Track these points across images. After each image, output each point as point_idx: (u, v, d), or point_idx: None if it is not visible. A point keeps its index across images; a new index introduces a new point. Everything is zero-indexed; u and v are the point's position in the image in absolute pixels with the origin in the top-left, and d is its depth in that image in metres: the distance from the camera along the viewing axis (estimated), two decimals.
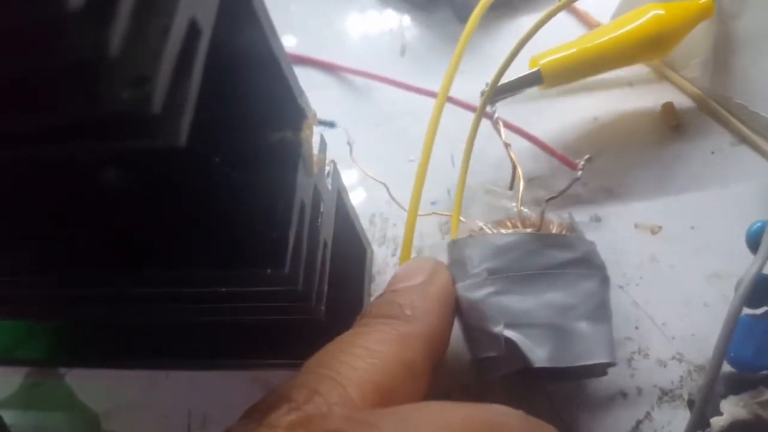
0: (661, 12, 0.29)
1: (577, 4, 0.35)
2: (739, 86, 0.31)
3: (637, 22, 0.28)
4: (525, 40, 0.27)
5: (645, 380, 0.26)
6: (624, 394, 0.26)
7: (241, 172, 0.19)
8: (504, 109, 0.30)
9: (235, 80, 0.18)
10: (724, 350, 0.21)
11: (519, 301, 0.24)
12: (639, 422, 0.26)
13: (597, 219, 0.30)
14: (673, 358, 0.27)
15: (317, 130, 0.22)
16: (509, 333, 0.23)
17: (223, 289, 0.19)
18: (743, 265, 0.24)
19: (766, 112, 0.30)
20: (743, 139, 0.31)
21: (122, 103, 0.12)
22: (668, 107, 0.32)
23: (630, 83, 0.33)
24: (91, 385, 0.29)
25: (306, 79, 0.34)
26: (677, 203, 0.30)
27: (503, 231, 0.25)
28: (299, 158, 0.20)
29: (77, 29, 0.10)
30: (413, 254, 0.29)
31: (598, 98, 0.33)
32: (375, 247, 0.31)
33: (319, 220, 0.22)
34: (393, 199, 0.29)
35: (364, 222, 0.31)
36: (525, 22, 0.30)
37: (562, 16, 0.35)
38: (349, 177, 0.32)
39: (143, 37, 0.13)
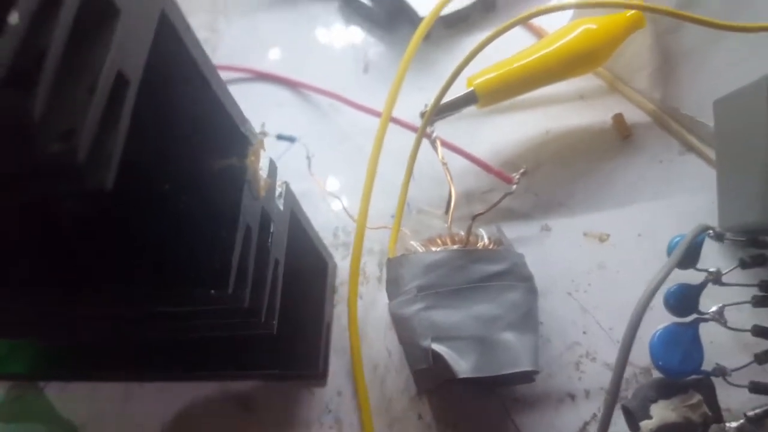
0: (592, 26, 0.30)
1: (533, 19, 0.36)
2: (684, 97, 0.32)
3: (568, 38, 0.30)
4: (467, 61, 0.29)
5: (592, 383, 0.28)
6: (572, 397, 0.27)
7: (188, 200, 0.20)
8: (455, 125, 0.32)
9: (176, 115, 0.20)
10: (627, 352, 0.23)
11: (446, 316, 0.25)
12: (586, 423, 0.27)
13: (547, 228, 0.31)
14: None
15: (267, 154, 0.24)
16: (436, 347, 0.25)
17: (175, 309, 0.21)
18: (685, 271, 0.25)
19: (710, 121, 0.31)
20: (690, 148, 0.32)
21: (51, 156, 0.14)
22: (619, 119, 0.33)
23: (582, 96, 0.35)
24: (69, 398, 0.30)
25: (272, 96, 0.36)
26: (626, 212, 0.31)
27: (433, 249, 0.26)
28: (245, 183, 0.22)
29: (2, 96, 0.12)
30: (363, 262, 0.30)
31: (551, 111, 0.34)
32: (338, 260, 0.32)
33: (270, 240, 0.24)
34: (346, 212, 0.30)
35: (327, 235, 0.32)
36: (480, 38, 0.31)
37: (519, 31, 0.36)
38: (315, 192, 0.34)
39: (70, 94, 0.14)
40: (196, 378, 0.29)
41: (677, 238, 0.24)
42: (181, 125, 0.20)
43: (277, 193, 0.25)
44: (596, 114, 0.34)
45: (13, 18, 0.12)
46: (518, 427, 0.27)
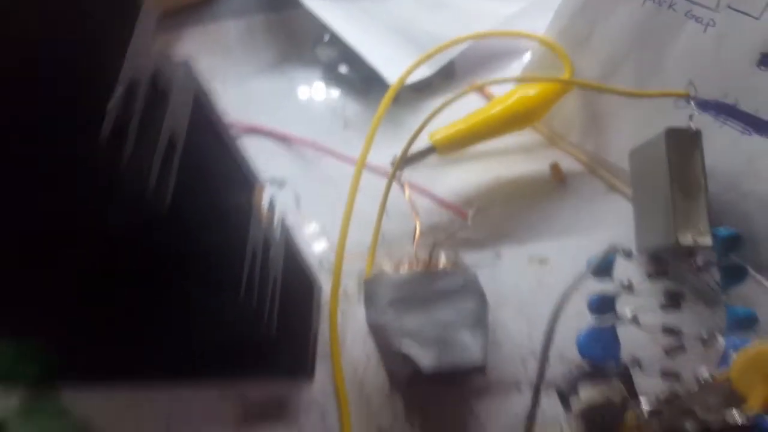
0: (530, 91, 0.37)
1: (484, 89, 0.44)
2: (607, 148, 0.40)
3: (508, 102, 0.37)
4: (427, 121, 0.36)
5: (535, 376, 0.33)
6: (518, 387, 0.33)
7: (209, 232, 0.26)
8: (421, 172, 0.39)
9: (203, 163, 0.26)
10: (549, 340, 0.29)
11: (412, 321, 0.31)
12: (529, 408, 0.33)
13: (498, 256, 0.37)
14: (556, 356, 0.33)
15: (268, 193, 0.30)
16: (405, 347, 0.30)
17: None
18: (604, 283, 0.31)
19: (625, 165, 0.38)
20: (613, 189, 0.39)
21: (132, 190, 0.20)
22: (555, 166, 0.40)
23: (526, 149, 0.42)
24: (81, 401, 0.35)
25: (264, 148, 0.42)
26: (561, 241, 0.37)
27: (401, 270, 0.33)
28: (251, 216, 0.28)
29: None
30: (345, 284, 0.36)
31: (501, 161, 0.41)
32: (323, 283, 0.38)
33: (269, 261, 0.29)
34: (328, 242, 0.37)
35: (314, 263, 0.38)
36: (441, 101, 0.38)
37: (472, 96, 0.44)
38: (306, 228, 0.40)
39: (144, 147, 0.20)
40: (200, 383, 0.34)
41: (593, 257, 0.31)
42: (206, 171, 0.26)
43: (274, 224, 0.31)
44: (538, 163, 0.41)
45: (111, 104, 0.18)
46: (476, 413, 0.32)
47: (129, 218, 0.18)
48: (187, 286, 0.26)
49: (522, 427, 0.30)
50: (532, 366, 0.34)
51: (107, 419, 0.34)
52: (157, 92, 0.20)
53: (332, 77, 0.46)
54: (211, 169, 0.26)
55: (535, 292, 0.36)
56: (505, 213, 0.39)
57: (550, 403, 0.32)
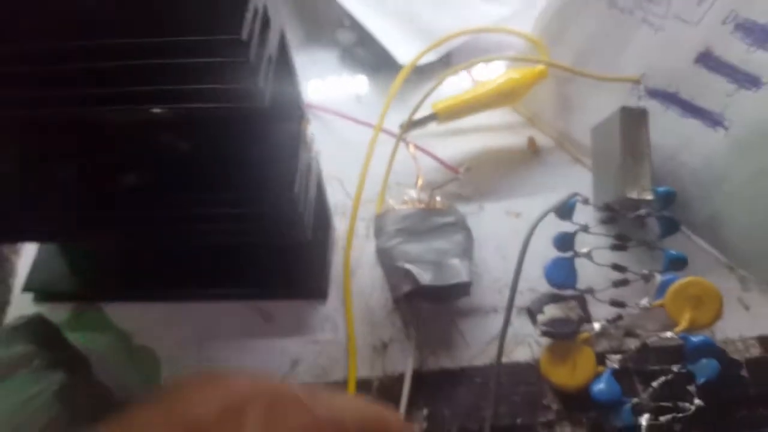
0: (515, 75, 0.46)
1: (472, 70, 0.51)
2: (573, 126, 0.48)
3: (496, 83, 0.45)
4: (429, 92, 0.44)
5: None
6: (495, 310, 0.40)
7: (282, 133, 0.32)
8: (426, 139, 0.46)
9: (282, 84, 0.32)
10: (518, 276, 0.36)
11: (414, 248, 0.39)
12: (501, 341, 0.40)
13: (481, 208, 0.45)
14: (528, 288, 0.41)
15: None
16: (407, 266, 0.38)
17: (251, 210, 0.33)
18: (565, 224, 0.39)
19: (587, 142, 0.46)
20: (577, 160, 0.48)
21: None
22: (531, 140, 0.48)
23: (508, 126, 0.50)
24: (123, 312, 0.41)
25: None
26: (533, 199, 0.45)
27: (405, 207, 0.40)
28: (300, 140, 0.34)
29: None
30: (356, 224, 0.43)
31: (487, 134, 0.49)
32: (338, 225, 0.45)
33: (309, 182, 0.36)
34: (343, 191, 0.44)
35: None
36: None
37: (463, 77, 0.52)
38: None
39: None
40: (234, 298, 0.41)
41: (558, 201, 0.38)
42: (284, 86, 0.32)
43: (313, 154, 0.38)
44: (517, 137, 0.49)
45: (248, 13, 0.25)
46: (461, 329, 0.40)
47: (246, 103, 0.25)
48: (265, 173, 0.32)
49: (496, 341, 0.37)
50: (507, 295, 0.41)
51: (146, 330, 0.40)
52: (266, 17, 0.27)
53: (349, 57, 0.53)
54: (284, 87, 0.32)
55: (510, 237, 0.43)
56: (488, 175, 0.47)
57: (521, 324, 0.40)
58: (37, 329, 0.37)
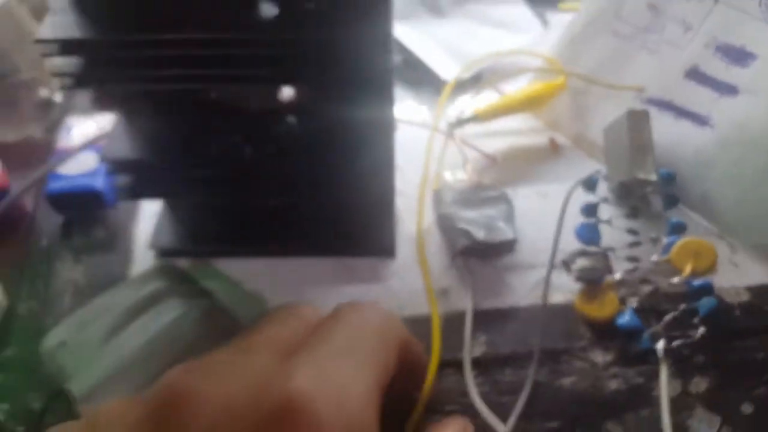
0: (539, 86, 0.56)
1: (500, 84, 0.62)
2: (587, 129, 0.59)
3: (525, 91, 0.56)
4: (471, 100, 0.54)
5: (546, 260, 0.49)
6: (533, 267, 0.49)
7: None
8: (471, 137, 0.57)
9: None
10: (559, 233, 0.46)
11: (468, 214, 0.48)
12: (546, 284, 0.48)
13: (515, 191, 0.54)
14: (560, 250, 0.50)
15: None
16: (465, 226, 0.47)
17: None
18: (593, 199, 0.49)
19: (599, 142, 0.57)
20: (591, 156, 0.58)
21: None
22: (552, 140, 0.59)
23: (533, 129, 0.60)
24: (229, 267, 0.49)
25: None
26: (556, 184, 0.55)
27: (459, 184, 0.50)
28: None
29: None
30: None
31: (515, 136, 0.59)
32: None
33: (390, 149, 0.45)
34: (404, 178, 0.54)
35: None
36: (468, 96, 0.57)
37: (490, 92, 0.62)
38: None
39: None
40: (320, 254, 0.49)
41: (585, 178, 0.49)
42: None
43: None
44: (540, 138, 0.59)
45: None
46: (507, 281, 0.49)
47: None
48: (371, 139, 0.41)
49: (541, 289, 0.46)
50: (542, 256, 0.50)
51: (251, 280, 0.48)
52: None
53: (397, 76, 0.64)
54: None
55: (541, 212, 0.52)
56: (518, 166, 0.57)
57: (556, 276, 0.49)
58: (168, 270, 0.45)
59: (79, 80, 0.35)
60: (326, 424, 0.20)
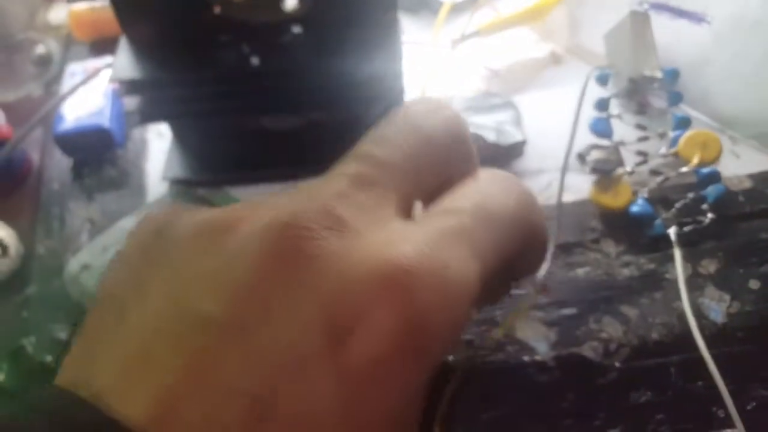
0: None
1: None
2: (585, 39, 0.59)
3: (523, 6, 0.56)
4: (471, 16, 0.54)
5: (555, 165, 0.50)
6: (542, 171, 0.50)
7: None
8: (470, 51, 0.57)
9: None
10: (574, 132, 0.46)
11: (479, 119, 0.49)
12: (563, 176, 0.49)
13: (520, 99, 0.55)
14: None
15: None
16: (476, 131, 0.48)
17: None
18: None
19: (598, 50, 0.57)
20: (590, 63, 0.58)
21: None
22: (553, 51, 0.59)
23: (535, 41, 0.61)
24: (240, 194, 0.50)
25: None
26: (559, 90, 0.55)
27: (467, 93, 0.51)
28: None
29: None
30: None
31: (519, 48, 0.60)
32: None
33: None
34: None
35: None
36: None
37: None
38: None
39: None
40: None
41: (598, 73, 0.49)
42: None
43: None
44: (542, 51, 0.60)
45: None
46: None
47: None
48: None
49: (552, 189, 0.47)
50: (550, 160, 0.51)
51: None
52: None
53: None
54: None
55: (547, 116, 0.53)
56: (521, 78, 0.57)
57: (568, 178, 0.49)
58: (186, 195, 0.46)
59: None
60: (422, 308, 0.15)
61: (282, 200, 0.17)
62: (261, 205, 0.17)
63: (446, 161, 0.20)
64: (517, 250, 0.20)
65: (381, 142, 0.19)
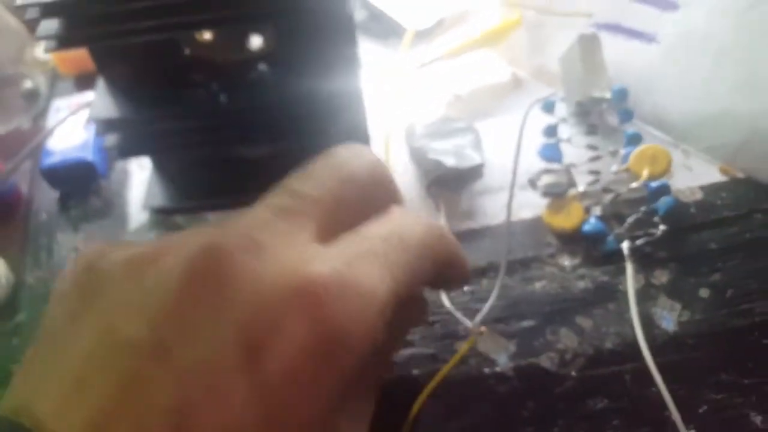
0: (497, 23, 0.60)
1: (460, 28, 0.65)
2: (546, 60, 0.62)
3: (483, 30, 0.59)
4: (436, 40, 0.57)
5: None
6: (502, 188, 0.53)
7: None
8: (433, 74, 0.60)
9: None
10: (518, 156, 0.49)
11: (439, 144, 0.52)
12: (510, 198, 0.52)
13: (481, 123, 0.58)
14: (524, 170, 0.53)
15: None
16: (436, 156, 0.50)
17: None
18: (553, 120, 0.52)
19: (559, 72, 0.60)
20: (551, 85, 0.61)
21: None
22: (514, 74, 0.62)
23: (495, 67, 0.64)
24: (222, 219, 0.53)
25: None
26: (517, 113, 0.58)
27: (428, 119, 0.54)
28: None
29: None
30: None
31: (480, 74, 0.63)
32: None
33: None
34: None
35: None
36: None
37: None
38: None
39: None
40: None
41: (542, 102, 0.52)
42: None
43: None
44: (501, 74, 0.63)
45: None
46: (478, 203, 0.52)
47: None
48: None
49: (506, 208, 0.50)
50: (509, 178, 0.54)
51: None
52: None
53: (362, 31, 0.67)
54: None
55: (505, 139, 0.56)
56: (482, 101, 0.60)
57: (523, 195, 0.52)
58: (164, 223, 0.48)
59: (62, 41, 0.38)
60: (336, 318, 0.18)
61: (209, 229, 0.20)
62: (190, 235, 0.20)
63: (368, 199, 0.24)
64: (429, 270, 0.23)
65: (305, 178, 0.23)
